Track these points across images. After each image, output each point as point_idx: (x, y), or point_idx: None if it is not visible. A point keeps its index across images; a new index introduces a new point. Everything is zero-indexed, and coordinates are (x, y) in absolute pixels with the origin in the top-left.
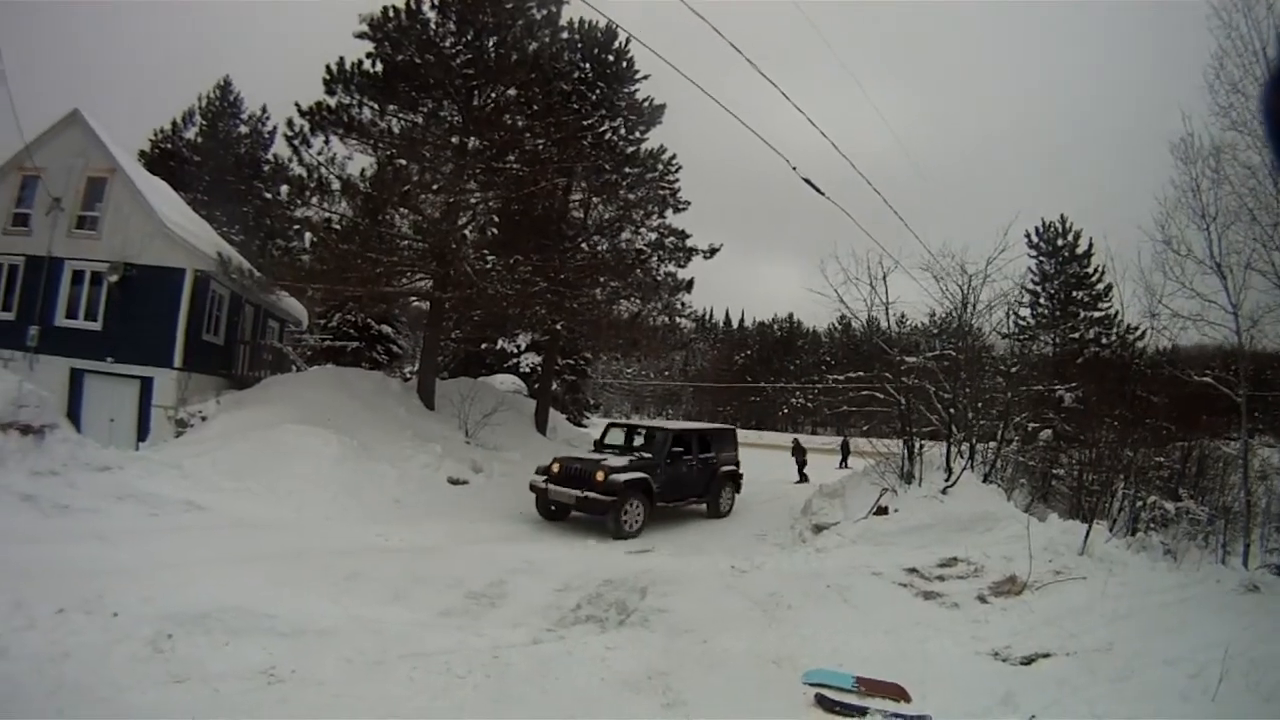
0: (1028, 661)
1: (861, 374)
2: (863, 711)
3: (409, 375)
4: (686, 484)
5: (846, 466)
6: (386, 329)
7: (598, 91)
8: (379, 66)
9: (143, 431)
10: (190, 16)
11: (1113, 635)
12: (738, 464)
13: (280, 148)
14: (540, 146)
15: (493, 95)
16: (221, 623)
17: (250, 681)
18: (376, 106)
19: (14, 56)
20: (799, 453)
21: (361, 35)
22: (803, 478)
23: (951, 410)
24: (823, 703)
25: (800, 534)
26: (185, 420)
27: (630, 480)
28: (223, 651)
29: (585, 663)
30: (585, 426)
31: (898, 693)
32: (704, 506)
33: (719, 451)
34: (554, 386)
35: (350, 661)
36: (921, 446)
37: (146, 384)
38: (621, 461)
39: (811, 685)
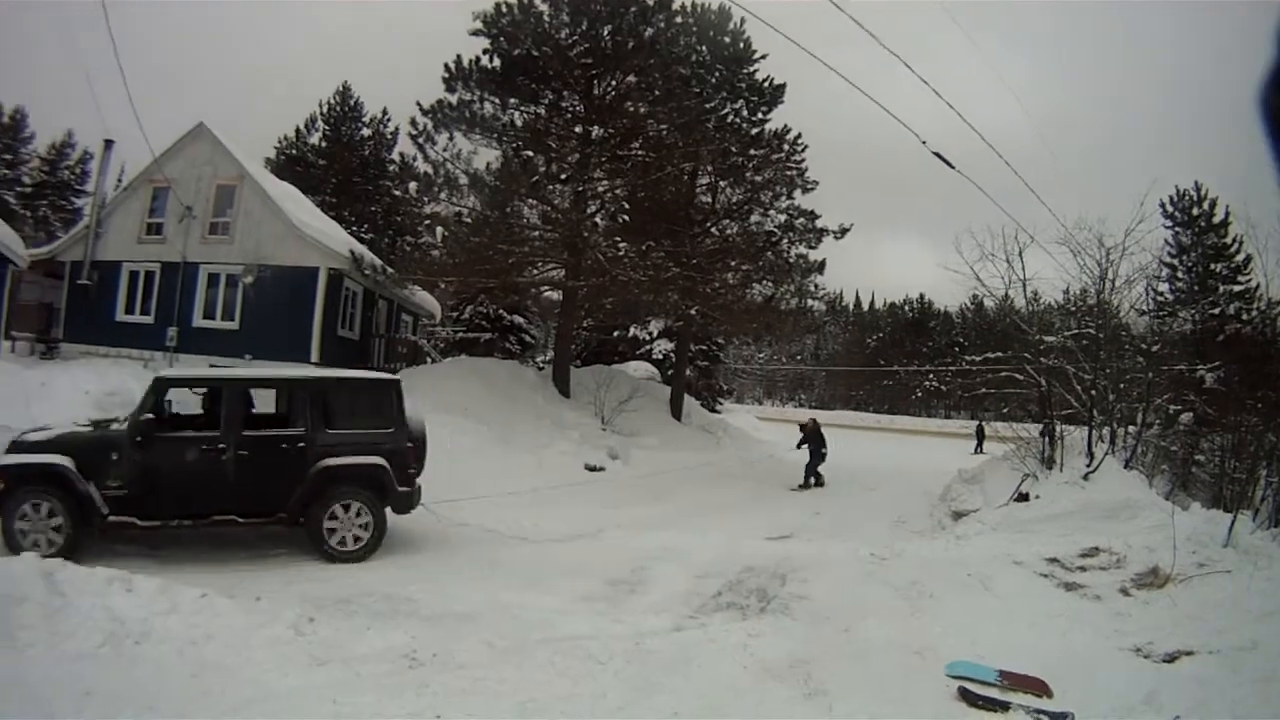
0: (1170, 659)
1: (1000, 354)
2: (1005, 706)
3: (542, 365)
4: (216, 486)
5: (982, 451)
6: (518, 319)
7: (717, 74)
8: (496, 62)
9: None
10: (301, 23)
11: (1258, 633)
12: (407, 454)
13: (405, 146)
14: (664, 132)
15: (612, 83)
16: (363, 607)
17: (391, 664)
18: (498, 101)
19: (139, 73)
20: (812, 441)
21: (476, 32)
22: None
23: (1092, 392)
24: (966, 696)
25: (939, 521)
26: None
27: (20, 467)
28: (364, 635)
29: (727, 650)
30: (719, 412)
31: (1040, 687)
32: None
33: (345, 423)
34: (688, 372)
35: (491, 646)
36: (1062, 431)
37: None
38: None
39: (954, 677)
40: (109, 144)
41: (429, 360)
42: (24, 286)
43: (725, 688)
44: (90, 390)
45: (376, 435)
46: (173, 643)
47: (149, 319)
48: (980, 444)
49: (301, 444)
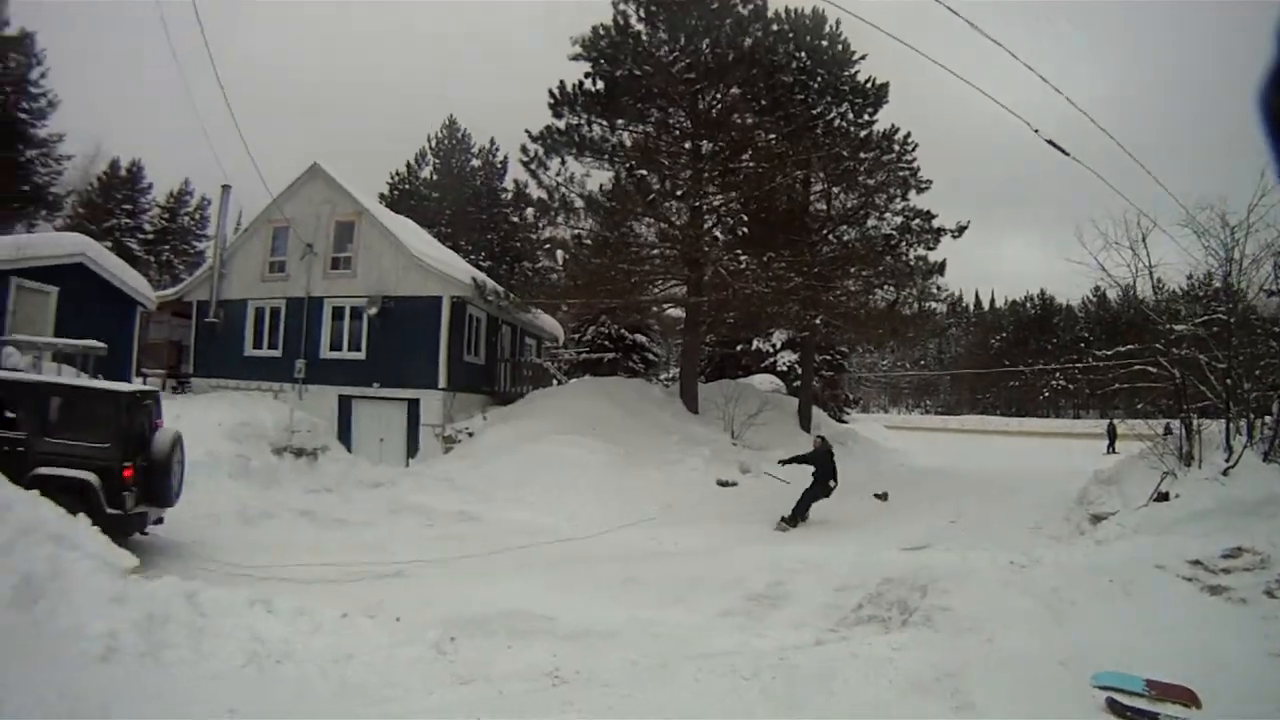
0: None
1: (1129, 348)
2: (1154, 716)
3: (667, 382)
4: None
5: (1115, 451)
6: (640, 338)
7: (819, 79)
8: (600, 84)
9: (412, 449)
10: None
11: None
12: (120, 472)
13: (516, 174)
14: (773, 142)
15: (717, 96)
16: (504, 626)
17: (535, 683)
18: (605, 123)
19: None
20: (820, 466)
21: (576, 57)
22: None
23: (1227, 381)
24: (1114, 707)
25: (1078, 525)
26: (453, 437)
27: None
28: (506, 654)
29: (871, 664)
30: (846, 422)
31: (1188, 696)
32: None
33: (64, 433)
34: (813, 383)
35: (635, 663)
36: (1199, 424)
37: (413, 405)
38: None
39: (1101, 688)
40: (226, 189)
41: (555, 382)
42: (152, 326)
43: (871, 703)
44: (223, 422)
45: (92, 449)
46: (315, 662)
47: (277, 352)
48: (1112, 443)
49: (21, 448)
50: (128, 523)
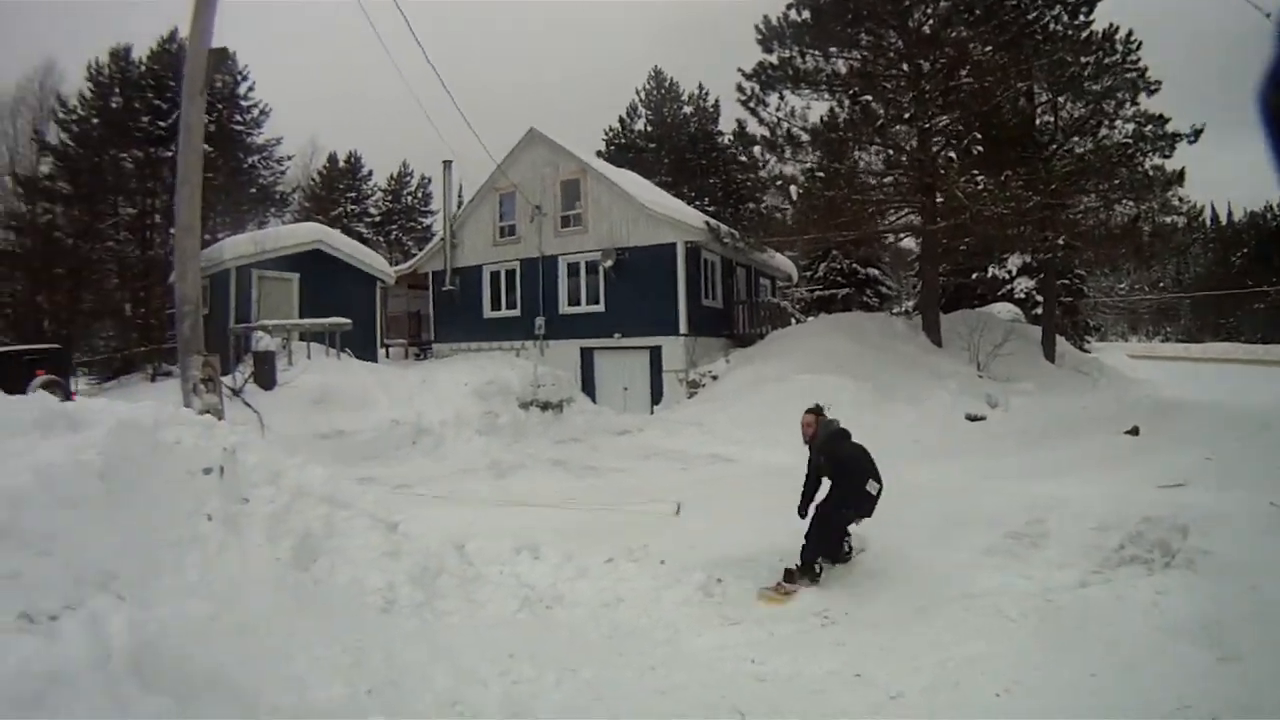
0: None
1: None
2: None
3: (909, 313)
4: None
5: None
6: (873, 271)
7: None
8: (805, 13)
9: (656, 396)
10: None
11: None
12: None
13: (730, 116)
14: (990, 54)
15: (927, 11)
16: (768, 567)
17: (804, 623)
18: (817, 52)
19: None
20: (837, 465)
21: None
22: None
23: None
24: None
25: None
26: (697, 381)
27: None
28: None
29: (1136, 608)
30: (1088, 351)
31: None
32: None
33: None
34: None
35: (901, 604)
36: None
37: (655, 352)
38: None
39: None
40: (448, 164)
41: (792, 321)
42: (391, 300)
43: (1138, 647)
44: (469, 382)
45: None
46: (585, 607)
47: (516, 312)
48: None
49: None
50: None
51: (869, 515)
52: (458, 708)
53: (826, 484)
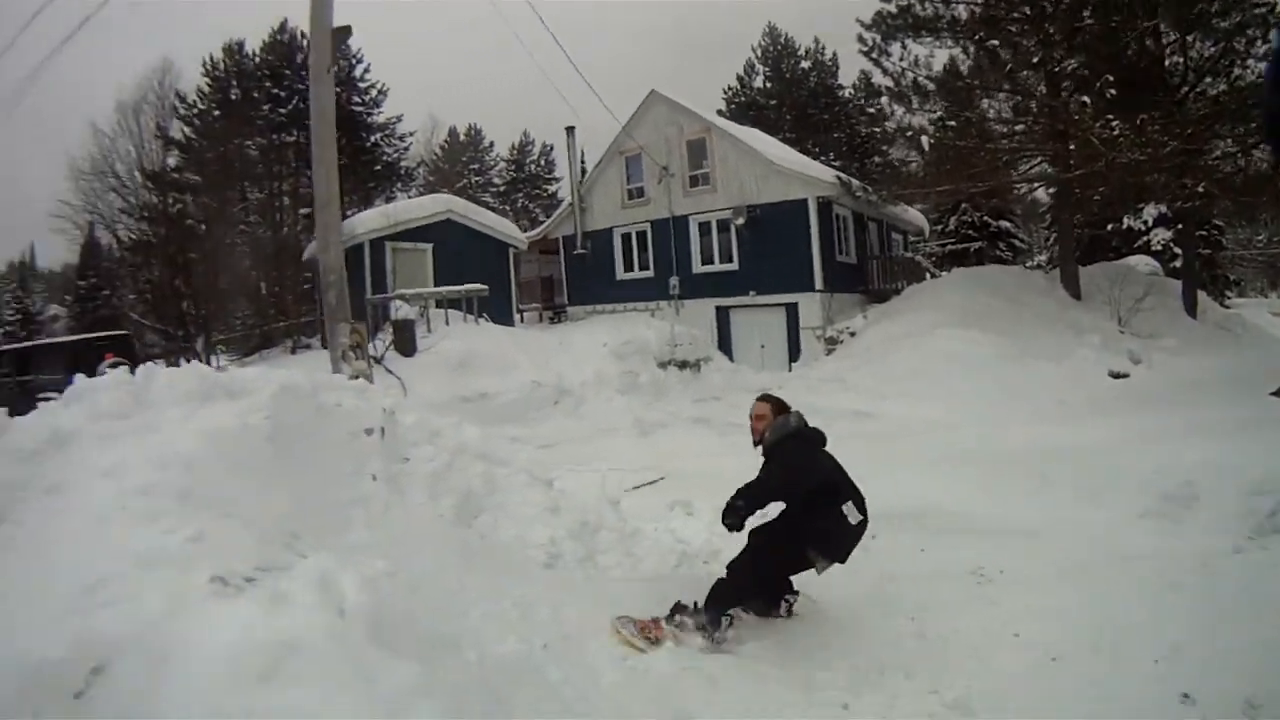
0: None
1: None
2: None
3: (1045, 266)
4: None
5: None
6: (1005, 224)
7: None
8: None
9: (794, 353)
10: None
11: None
12: None
13: (852, 69)
14: None
15: None
16: (916, 523)
17: (959, 581)
18: None
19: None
20: (781, 480)
21: None
22: None
23: None
24: None
25: None
26: (835, 338)
27: None
28: (928, 553)
29: None
30: (1229, 307)
31: None
32: None
33: None
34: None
35: (1056, 564)
36: None
37: (791, 309)
38: None
39: None
40: (570, 130)
41: (927, 275)
42: (523, 265)
43: None
44: (607, 343)
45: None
46: None
47: (649, 273)
48: None
49: None
50: None
51: (842, 560)
52: (628, 663)
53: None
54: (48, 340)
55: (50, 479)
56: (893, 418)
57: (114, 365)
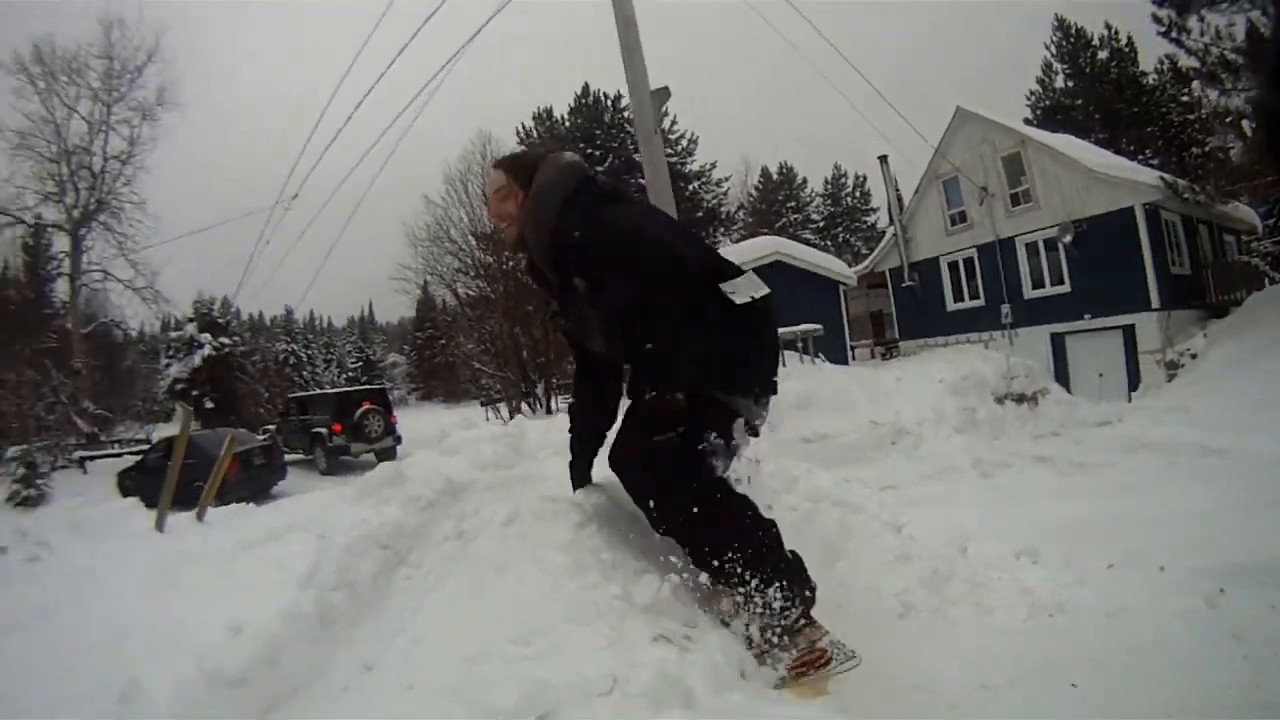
0: None
1: None
2: None
3: None
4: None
5: None
6: None
7: None
8: None
9: (1132, 381)
10: None
11: None
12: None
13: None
14: None
15: None
16: (1273, 577)
17: None
18: None
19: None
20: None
21: None
22: None
23: None
24: None
25: None
26: (1175, 361)
27: None
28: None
29: None
30: None
31: None
32: None
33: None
34: None
35: None
36: None
37: (1127, 332)
38: None
39: None
40: (883, 159)
41: (1266, 282)
42: (851, 301)
43: None
44: (943, 378)
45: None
46: (1086, 615)
47: (979, 302)
48: None
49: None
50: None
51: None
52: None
53: None
54: (320, 391)
55: (447, 527)
56: (1247, 452)
57: (368, 411)
